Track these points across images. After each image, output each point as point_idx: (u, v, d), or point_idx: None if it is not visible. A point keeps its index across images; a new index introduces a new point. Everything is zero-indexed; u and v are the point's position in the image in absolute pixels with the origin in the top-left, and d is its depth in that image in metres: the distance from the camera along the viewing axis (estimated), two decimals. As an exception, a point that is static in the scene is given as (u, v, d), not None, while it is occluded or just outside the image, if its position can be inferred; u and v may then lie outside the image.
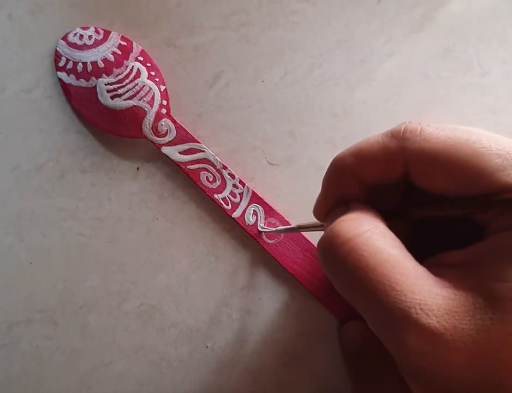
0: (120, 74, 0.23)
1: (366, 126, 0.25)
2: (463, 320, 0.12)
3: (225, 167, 0.24)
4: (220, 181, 0.23)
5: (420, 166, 0.15)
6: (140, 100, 0.23)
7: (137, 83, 0.23)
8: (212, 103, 0.25)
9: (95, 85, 0.23)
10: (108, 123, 0.23)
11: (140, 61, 0.24)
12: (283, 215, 0.23)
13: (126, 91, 0.23)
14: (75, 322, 0.23)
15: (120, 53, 0.24)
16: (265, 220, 0.23)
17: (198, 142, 0.24)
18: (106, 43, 0.24)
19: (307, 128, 0.25)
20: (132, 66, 0.24)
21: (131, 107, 0.23)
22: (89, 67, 0.23)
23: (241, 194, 0.23)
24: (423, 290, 0.13)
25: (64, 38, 0.24)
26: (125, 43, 0.24)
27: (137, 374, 0.23)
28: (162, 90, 0.24)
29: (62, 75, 0.24)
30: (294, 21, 0.25)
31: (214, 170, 0.23)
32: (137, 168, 0.24)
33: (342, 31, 0.25)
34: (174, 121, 0.24)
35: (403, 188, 0.17)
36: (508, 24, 0.25)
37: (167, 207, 0.24)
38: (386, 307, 0.13)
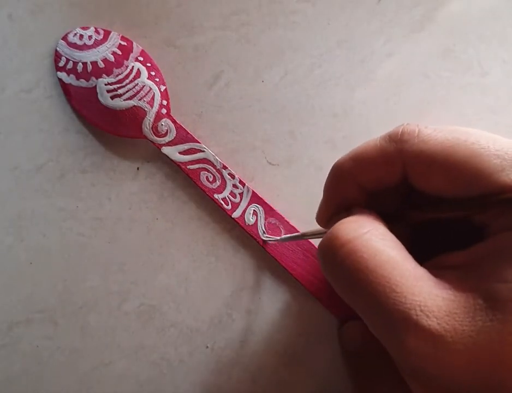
0: (120, 74, 0.23)
1: (366, 126, 0.25)
2: (464, 322, 0.12)
3: (225, 167, 0.24)
4: (220, 181, 0.23)
5: (418, 168, 0.15)
6: (140, 100, 0.23)
7: (137, 83, 0.23)
8: (212, 103, 0.25)
9: (95, 86, 0.23)
10: (108, 123, 0.23)
11: (140, 61, 0.24)
12: (283, 215, 0.23)
13: (126, 92, 0.23)
14: (75, 322, 0.23)
15: (120, 53, 0.24)
16: (265, 220, 0.23)
17: (198, 142, 0.24)
18: (106, 43, 0.24)
19: (307, 128, 0.25)
20: (132, 66, 0.24)
21: (131, 107, 0.23)
22: (89, 67, 0.23)
23: (241, 194, 0.23)
24: (423, 292, 0.13)
25: (64, 38, 0.24)
26: (125, 43, 0.24)
27: (137, 374, 0.23)
28: (162, 90, 0.24)
29: (62, 75, 0.24)
30: (294, 21, 0.25)
31: (214, 170, 0.23)
32: (137, 168, 0.24)
33: (342, 31, 0.25)
34: (174, 122, 0.24)
35: (403, 191, 0.17)
36: (508, 24, 0.25)
37: (167, 207, 0.24)
38: (385, 309, 0.13)
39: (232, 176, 0.23)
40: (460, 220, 0.15)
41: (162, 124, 0.24)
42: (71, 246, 0.24)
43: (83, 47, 0.24)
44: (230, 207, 0.23)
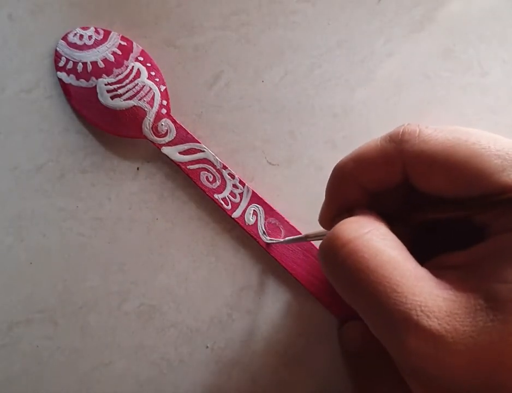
0: (120, 74, 0.23)
1: (366, 126, 0.25)
2: (464, 322, 0.12)
3: (225, 167, 0.24)
4: (220, 181, 0.23)
5: (419, 168, 0.15)
6: (140, 100, 0.23)
7: (137, 83, 0.23)
8: (212, 103, 0.25)
9: (95, 86, 0.23)
10: (108, 123, 0.23)
11: (140, 61, 0.24)
12: (283, 215, 0.23)
13: (126, 92, 0.23)
14: (75, 322, 0.23)
15: (120, 53, 0.24)
16: (265, 220, 0.23)
17: (198, 142, 0.24)
18: (106, 43, 0.24)
19: (307, 128, 0.25)
20: (132, 66, 0.24)
21: (131, 107, 0.23)
22: (89, 67, 0.23)
23: (241, 194, 0.23)
24: (423, 292, 0.13)
25: (64, 38, 0.24)
26: (125, 43, 0.24)
27: (137, 374, 0.23)
28: (162, 90, 0.24)
29: (62, 75, 0.24)
30: (294, 21, 0.25)
31: (214, 170, 0.23)
32: (137, 168, 0.24)
33: (342, 31, 0.25)
34: (174, 122, 0.24)
35: (404, 192, 0.17)
36: (508, 24, 0.25)
37: (167, 207, 0.24)
38: (386, 309, 0.13)
39: (232, 176, 0.23)
40: (461, 220, 0.15)
41: (162, 124, 0.24)
42: (71, 246, 0.24)
43: (83, 47, 0.24)
44: (230, 207, 0.23)
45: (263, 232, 0.23)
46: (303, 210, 0.24)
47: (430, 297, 0.13)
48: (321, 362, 0.23)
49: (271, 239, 0.23)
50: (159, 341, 0.23)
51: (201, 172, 0.23)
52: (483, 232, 0.14)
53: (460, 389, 0.12)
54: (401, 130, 0.15)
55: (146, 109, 0.23)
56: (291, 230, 0.23)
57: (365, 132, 0.25)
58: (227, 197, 0.23)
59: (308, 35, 0.25)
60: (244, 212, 0.23)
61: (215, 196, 0.23)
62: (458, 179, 0.14)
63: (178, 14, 0.25)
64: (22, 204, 0.24)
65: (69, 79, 0.24)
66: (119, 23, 0.24)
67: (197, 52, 0.25)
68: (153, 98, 0.23)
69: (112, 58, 0.23)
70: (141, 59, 0.24)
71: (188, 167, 0.23)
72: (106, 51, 0.24)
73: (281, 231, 0.23)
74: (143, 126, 0.23)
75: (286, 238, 0.22)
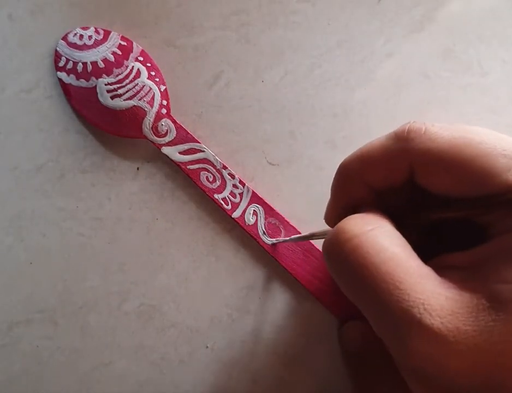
0: (120, 74, 0.23)
1: (366, 126, 0.25)
2: (467, 321, 0.12)
3: (225, 167, 0.24)
4: (220, 181, 0.23)
5: (425, 167, 0.15)
6: (140, 100, 0.23)
7: (137, 83, 0.23)
8: (212, 103, 0.25)
9: (95, 86, 0.23)
10: (108, 123, 0.23)
11: (140, 61, 0.24)
12: (283, 215, 0.23)
13: (126, 92, 0.23)
14: (75, 322, 0.23)
15: (120, 53, 0.24)
16: (265, 220, 0.23)
17: (198, 142, 0.24)
18: (106, 43, 0.24)
19: (307, 128, 0.25)
20: (132, 66, 0.24)
21: (131, 107, 0.23)
22: (89, 68, 0.23)
23: (241, 194, 0.23)
24: (426, 290, 0.13)
25: (64, 38, 0.24)
26: (125, 43, 0.24)
27: (137, 374, 0.23)
28: (162, 90, 0.24)
29: (62, 75, 0.24)
30: (294, 21, 0.25)
31: (214, 170, 0.23)
32: (137, 168, 0.24)
33: (342, 31, 0.25)
34: (174, 122, 0.24)
35: (409, 191, 0.17)
36: (508, 24, 0.25)
37: (167, 207, 0.24)
38: (388, 306, 0.13)
39: (232, 176, 0.23)
40: (465, 220, 0.15)
41: (162, 124, 0.24)
42: (71, 246, 0.24)
43: (83, 47, 0.24)
44: (230, 207, 0.23)
45: (263, 232, 0.23)
46: (303, 210, 0.24)
47: (433, 295, 0.13)
48: (321, 362, 0.23)
49: (277, 239, 0.23)
50: (159, 341, 0.23)
51: (201, 172, 0.23)
52: (486, 232, 0.14)
53: (461, 389, 0.12)
54: (407, 128, 0.15)
55: (146, 109, 0.23)
56: (291, 230, 0.23)
57: (365, 132, 0.25)
58: (227, 197, 0.23)
59: (308, 35, 0.25)
60: (244, 212, 0.23)
61: (215, 196, 0.23)
62: (464, 178, 0.14)
63: (178, 14, 0.25)
64: (22, 204, 0.24)
65: (69, 79, 0.24)
66: (119, 23, 0.24)
67: (197, 52, 0.25)
68: (153, 98, 0.23)
69: (112, 58, 0.23)
70: (141, 59, 0.24)
71: (188, 167, 0.23)
72: (106, 51, 0.24)
73: (281, 231, 0.23)
74: (143, 126, 0.23)
75: (292, 237, 0.22)
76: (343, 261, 0.14)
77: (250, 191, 0.23)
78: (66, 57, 0.24)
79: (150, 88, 0.24)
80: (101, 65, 0.23)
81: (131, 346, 0.23)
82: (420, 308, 0.12)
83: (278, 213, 0.23)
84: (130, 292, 0.23)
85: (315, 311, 0.23)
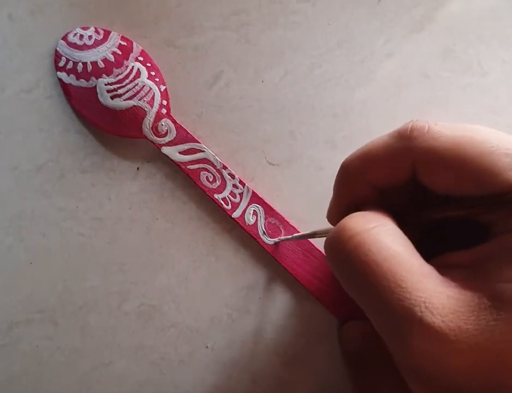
0: (120, 74, 0.23)
1: (366, 126, 0.25)
2: (468, 320, 0.12)
3: (225, 167, 0.24)
4: (220, 181, 0.23)
5: (428, 165, 0.15)
6: (140, 100, 0.23)
7: (137, 83, 0.23)
8: (212, 103, 0.25)
9: (95, 86, 0.23)
10: (108, 123, 0.23)
11: (140, 61, 0.24)
12: (283, 215, 0.23)
13: (126, 92, 0.23)
14: (75, 322, 0.23)
15: (120, 53, 0.24)
16: (265, 220, 0.23)
17: (198, 142, 0.24)
18: (106, 43, 0.24)
19: (307, 128, 0.25)
20: (132, 66, 0.24)
21: (131, 107, 0.23)
22: (89, 68, 0.23)
23: (241, 194, 0.23)
24: (428, 288, 0.13)
25: (64, 38, 0.24)
26: (125, 43, 0.24)
27: (137, 374, 0.23)
28: (162, 90, 0.24)
29: (62, 75, 0.24)
30: (294, 21, 0.25)
31: (214, 170, 0.23)
32: (137, 168, 0.24)
33: (342, 31, 0.25)
34: (174, 122, 0.24)
35: (411, 190, 0.17)
36: (508, 24, 0.25)
37: (167, 207, 0.24)
38: (390, 304, 0.13)
39: (232, 176, 0.23)
40: (467, 219, 0.15)
41: (162, 124, 0.24)
42: (71, 246, 0.24)
43: (83, 47, 0.24)
44: (230, 207, 0.23)
45: (263, 232, 0.23)
46: (303, 210, 0.24)
47: (434, 294, 0.13)
48: (321, 362, 0.23)
49: (279, 238, 0.23)
50: (159, 341, 0.23)
51: (201, 172, 0.23)
52: (488, 231, 0.14)
53: (461, 389, 0.12)
54: (410, 126, 0.15)
55: (146, 109, 0.23)
56: (291, 230, 0.23)
57: (365, 132, 0.25)
58: (227, 197, 0.23)
59: (308, 35, 0.25)
60: (244, 212, 0.23)
61: (215, 196, 0.23)
62: (466, 177, 0.14)
63: (178, 14, 0.25)
64: (22, 204, 0.24)
65: (69, 79, 0.24)
66: (119, 23, 0.24)
67: (197, 52, 0.25)
68: (153, 98, 0.23)
69: (112, 58, 0.23)
70: (141, 59, 0.24)
71: (188, 167, 0.23)
72: (106, 51, 0.24)
73: (281, 231, 0.23)
74: (143, 126, 0.23)
75: (294, 235, 0.22)
76: (345, 258, 0.14)
77: (250, 191, 0.23)
78: (66, 57, 0.24)
79: (150, 88, 0.24)
80: (101, 65, 0.23)
81: (131, 346, 0.23)
82: (421, 306, 0.12)
83: (278, 213, 0.23)
84: (130, 292, 0.23)
85: (315, 311, 0.23)
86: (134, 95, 0.23)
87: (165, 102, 0.24)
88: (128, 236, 0.24)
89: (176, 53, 0.25)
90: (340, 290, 0.23)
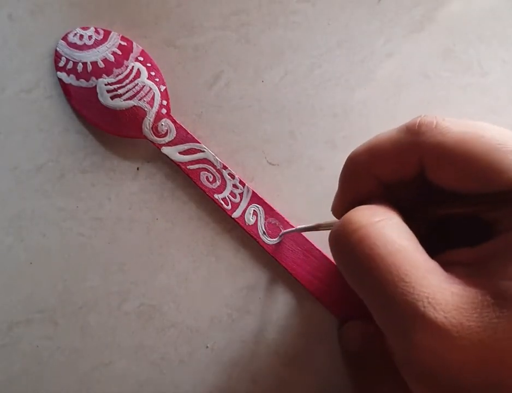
0: (120, 74, 0.23)
1: (366, 126, 0.25)
2: (471, 317, 0.12)
3: (225, 167, 0.24)
4: (220, 181, 0.23)
5: (435, 161, 0.15)
6: (140, 100, 0.23)
7: (137, 83, 0.23)
8: (212, 103, 0.25)
9: (95, 86, 0.23)
10: (108, 123, 0.23)
11: (140, 61, 0.24)
12: (283, 215, 0.23)
13: (126, 92, 0.23)
14: (75, 322, 0.23)
15: (120, 53, 0.24)
16: (265, 220, 0.23)
17: (198, 142, 0.24)
18: (106, 43, 0.24)
19: (307, 128, 0.25)
20: (132, 66, 0.24)
21: (131, 107, 0.23)
22: (89, 68, 0.23)
23: (241, 194, 0.23)
24: (432, 284, 0.13)
25: (64, 38, 0.24)
26: (125, 44, 0.24)
27: (137, 374, 0.23)
28: (162, 90, 0.24)
29: (62, 75, 0.24)
30: (294, 21, 0.25)
31: (214, 170, 0.23)
32: (137, 168, 0.24)
33: (342, 31, 0.25)
34: (174, 122, 0.24)
35: (418, 185, 0.17)
36: (508, 24, 0.25)
37: (167, 207, 0.24)
38: (393, 298, 0.13)
39: (232, 176, 0.23)
40: (472, 216, 0.15)
41: (162, 124, 0.24)
42: (71, 246, 0.24)
43: (83, 47, 0.24)
44: (230, 207, 0.23)
45: (263, 232, 0.23)
46: (303, 210, 0.24)
47: (438, 290, 0.13)
48: (321, 362, 0.23)
49: (282, 232, 0.23)
50: (159, 341, 0.23)
51: (201, 172, 0.23)
52: (493, 228, 0.14)
53: (462, 387, 0.12)
54: (418, 121, 0.15)
55: (146, 109, 0.23)
56: (291, 230, 0.23)
57: (365, 132, 0.24)
58: (227, 197, 0.23)
59: (308, 35, 0.25)
60: (244, 212, 0.23)
61: (215, 196, 0.23)
62: (472, 174, 0.14)
63: (178, 14, 0.25)
64: (22, 204, 0.24)
65: (69, 79, 0.24)
66: (119, 23, 0.24)
67: (197, 52, 0.25)
68: (153, 98, 0.23)
69: (112, 58, 0.23)
70: (141, 59, 0.24)
71: (188, 167, 0.23)
72: (106, 51, 0.24)
73: (281, 231, 0.23)
74: (143, 126, 0.23)
75: (298, 227, 0.22)
76: (349, 251, 0.14)
77: (250, 191, 0.23)
78: (66, 57, 0.24)
79: (150, 88, 0.24)
80: (101, 65, 0.23)
81: (131, 346, 0.23)
82: (424, 301, 0.12)
83: (278, 213, 0.23)
84: (130, 292, 0.23)
85: (315, 311, 0.23)
86: (134, 95, 0.23)
87: (165, 102, 0.24)
88: (128, 236, 0.24)
89: (176, 53, 0.25)
90: (340, 289, 0.23)
